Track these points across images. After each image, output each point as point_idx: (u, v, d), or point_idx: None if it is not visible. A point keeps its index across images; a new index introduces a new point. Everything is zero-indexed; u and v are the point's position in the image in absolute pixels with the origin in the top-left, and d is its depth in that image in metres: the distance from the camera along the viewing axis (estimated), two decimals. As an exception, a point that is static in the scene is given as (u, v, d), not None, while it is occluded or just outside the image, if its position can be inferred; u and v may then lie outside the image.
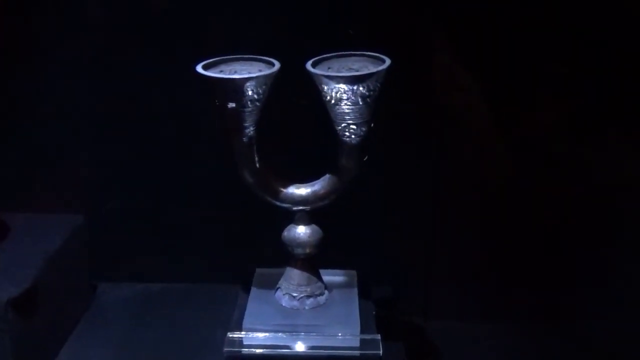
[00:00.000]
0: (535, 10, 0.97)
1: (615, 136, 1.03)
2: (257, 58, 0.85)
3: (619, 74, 0.98)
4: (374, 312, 0.90)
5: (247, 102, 0.80)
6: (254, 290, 0.92)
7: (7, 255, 0.93)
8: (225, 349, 0.83)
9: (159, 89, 1.02)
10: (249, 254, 1.03)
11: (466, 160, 1.06)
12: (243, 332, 0.85)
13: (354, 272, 0.96)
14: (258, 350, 0.84)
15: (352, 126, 0.82)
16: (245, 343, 0.84)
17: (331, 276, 0.94)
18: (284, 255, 0.90)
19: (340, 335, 0.85)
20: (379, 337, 0.84)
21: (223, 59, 0.85)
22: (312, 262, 0.90)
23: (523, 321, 1.06)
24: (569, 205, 1.04)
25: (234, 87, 0.79)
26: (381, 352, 0.83)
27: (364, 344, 0.84)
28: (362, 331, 0.85)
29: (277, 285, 0.91)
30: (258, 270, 0.96)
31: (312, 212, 0.88)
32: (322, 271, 0.91)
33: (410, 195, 1.06)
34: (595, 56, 0.98)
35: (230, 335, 0.84)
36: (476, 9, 0.98)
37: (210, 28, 0.99)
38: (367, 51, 0.84)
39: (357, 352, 0.84)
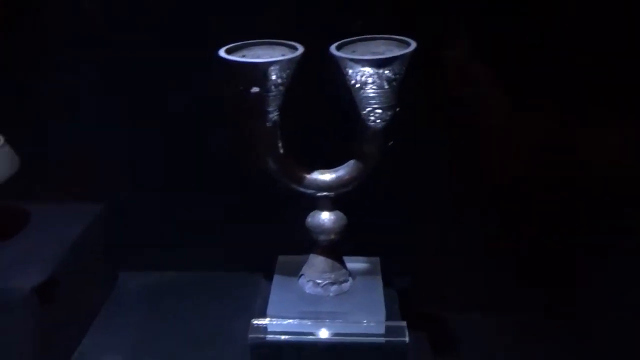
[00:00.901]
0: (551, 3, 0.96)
1: (631, 131, 1.01)
2: (279, 42, 0.83)
3: (637, 68, 0.97)
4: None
5: (271, 87, 0.78)
6: (276, 278, 0.91)
7: (29, 244, 0.92)
8: (250, 336, 0.82)
9: (179, 77, 1.00)
10: (269, 242, 1.01)
11: (484, 151, 1.05)
12: (267, 319, 0.83)
13: (377, 259, 0.94)
14: (282, 337, 0.82)
15: (377, 110, 0.80)
16: (269, 330, 0.82)
17: (354, 263, 0.92)
18: (305, 243, 0.88)
19: (366, 322, 0.83)
20: (404, 324, 0.83)
21: (245, 43, 0.82)
22: (336, 248, 0.88)
23: (541, 314, 1.04)
24: (585, 197, 1.03)
25: (258, 72, 0.77)
26: (407, 339, 0.81)
27: (389, 331, 0.82)
28: (388, 318, 0.84)
29: (301, 272, 0.90)
30: (280, 258, 0.95)
31: (336, 198, 0.86)
32: (344, 258, 0.90)
33: (431, 185, 1.04)
34: (614, 51, 0.97)
35: (255, 322, 0.83)
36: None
37: (231, 13, 0.97)
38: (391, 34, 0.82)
39: (382, 339, 0.82)
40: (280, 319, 0.83)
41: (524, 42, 0.99)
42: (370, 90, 0.79)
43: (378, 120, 0.80)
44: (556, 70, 1.00)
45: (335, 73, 0.80)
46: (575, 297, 1.04)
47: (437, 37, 0.99)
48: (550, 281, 1.05)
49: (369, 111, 0.80)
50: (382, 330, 0.82)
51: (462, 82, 1.03)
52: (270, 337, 0.82)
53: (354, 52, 0.82)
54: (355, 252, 0.93)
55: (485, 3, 0.98)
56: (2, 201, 0.97)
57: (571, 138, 1.03)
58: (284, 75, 0.79)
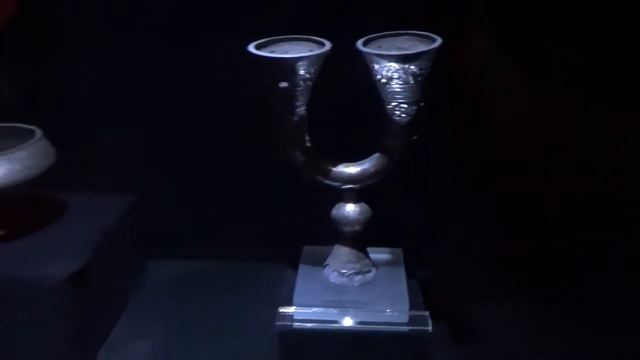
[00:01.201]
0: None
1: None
2: (306, 38, 0.84)
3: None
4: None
5: (299, 82, 0.79)
6: (302, 268, 0.92)
7: (65, 233, 0.93)
8: (277, 323, 0.83)
9: (209, 72, 1.02)
10: (294, 233, 1.01)
11: (504, 145, 1.05)
12: (293, 308, 0.84)
13: (399, 250, 0.95)
14: (308, 325, 0.83)
15: (402, 105, 0.80)
16: (296, 318, 0.83)
17: (377, 254, 0.93)
18: (328, 234, 0.89)
19: (389, 312, 0.84)
20: (427, 313, 0.83)
21: (273, 39, 0.83)
22: (360, 239, 0.89)
23: (561, 304, 1.03)
24: (603, 188, 1.02)
25: (287, 67, 0.78)
26: (431, 328, 0.82)
27: (412, 320, 0.83)
28: (411, 308, 0.84)
29: (325, 263, 0.90)
30: (305, 248, 0.96)
31: (360, 190, 0.87)
32: (368, 249, 0.90)
33: (451, 177, 1.05)
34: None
35: (282, 311, 0.84)
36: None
37: (258, 9, 0.98)
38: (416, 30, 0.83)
39: (406, 328, 0.83)
40: (306, 308, 0.84)
41: (545, 38, 0.99)
42: (395, 85, 0.79)
43: (403, 115, 0.81)
44: (578, 66, 0.99)
45: (361, 68, 0.81)
46: (597, 287, 1.03)
47: (458, 33, 0.99)
48: (570, 271, 1.05)
49: (395, 106, 0.80)
50: (405, 320, 0.83)
51: (483, 77, 1.04)
52: (296, 325, 0.83)
53: (379, 47, 0.82)
54: (378, 243, 0.93)
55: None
56: (40, 191, 0.98)
57: (590, 134, 1.03)
58: (312, 70, 0.80)
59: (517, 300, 1.04)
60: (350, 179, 0.86)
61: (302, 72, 0.79)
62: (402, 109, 0.80)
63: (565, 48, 0.99)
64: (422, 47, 0.80)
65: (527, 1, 0.98)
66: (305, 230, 0.97)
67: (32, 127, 0.94)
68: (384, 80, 0.79)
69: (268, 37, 0.83)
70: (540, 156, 1.05)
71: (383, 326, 0.83)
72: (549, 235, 1.06)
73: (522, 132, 1.05)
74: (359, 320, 0.83)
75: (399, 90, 0.79)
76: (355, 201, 0.87)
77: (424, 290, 0.90)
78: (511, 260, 1.06)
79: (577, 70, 1.00)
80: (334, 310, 0.84)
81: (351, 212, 0.87)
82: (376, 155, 0.85)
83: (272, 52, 0.81)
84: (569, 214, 1.05)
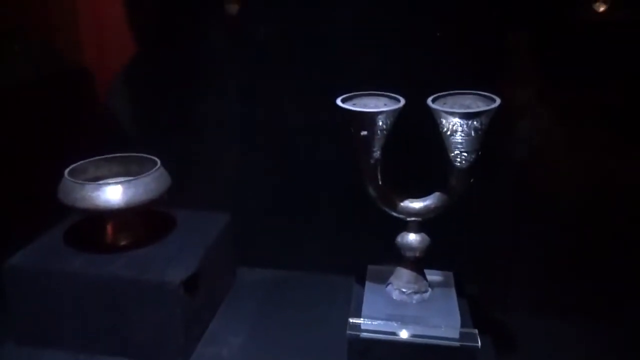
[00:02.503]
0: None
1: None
2: (382, 94, 0.87)
3: None
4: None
5: (377, 131, 0.82)
6: (368, 284, 0.94)
7: (177, 244, 0.97)
8: (348, 332, 0.85)
9: (299, 112, 1.05)
10: (360, 252, 1.03)
11: (542, 175, 1.03)
12: (362, 319, 0.86)
13: (450, 274, 0.96)
14: (373, 335, 0.85)
15: (463, 154, 0.82)
16: (363, 328, 0.85)
17: (432, 276, 0.94)
18: (388, 255, 0.90)
19: (443, 328, 0.85)
20: (476, 331, 0.84)
21: (355, 94, 0.87)
22: (419, 263, 0.91)
23: (600, 321, 1.00)
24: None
25: (368, 119, 0.81)
26: (479, 344, 0.83)
27: (463, 336, 0.84)
28: (462, 325, 0.85)
29: (388, 281, 0.92)
30: (370, 267, 0.97)
31: (422, 222, 0.88)
32: (424, 271, 0.91)
33: (493, 208, 1.04)
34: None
35: (352, 321, 0.86)
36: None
37: (346, 67, 1.01)
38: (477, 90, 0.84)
39: (457, 343, 0.84)
40: (372, 319, 0.86)
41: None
42: (459, 137, 0.81)
43: (464, 162, 0.82)
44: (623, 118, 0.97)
45: (428, 121, 0.82)
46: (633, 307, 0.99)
47: (511, 92, 0.98)
48: (610, 289, 1.01)
49: (457, 154, 0.82)
50: (456, 335, 0.84)
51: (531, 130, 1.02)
52: (364, 334, 0.85)
53: (444, 104, 0.84)
54: (432, 266, 0.93)
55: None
56: (157, 209, 1.01)
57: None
58: (388, 121, 0.82)
59: (556, 316, 1.02)
60: (414, 212, 0.88)
61: (380, 123, 0.81)
62: (463, 157, 0.82)
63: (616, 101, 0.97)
64: (483, 106, 0.81)
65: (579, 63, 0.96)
66: (372, 251, 0.98)
67: (153, 157, 0.98)
68: (448, 133, 0.81)
69: (353, 92, 0.86)
70: (579, 187, 1.02)
71: (437, 340, 0.84)
72: (590, 256, 1.02)
73: (556, 163, 1.02)
74: (415, 333, 0.84)
75: (461, 141, 0.81)
76: (417, 231, 0.89)
77: (471, 307, 0.89)
78: (550, 283, 1.04)
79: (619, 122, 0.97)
80: (395, 324, 0.85)
81: (413, 241, 0.88)
82: (437, 194, 0.87)
83: (354, 105, 0.84)
84: (610, 234, 1.01)
